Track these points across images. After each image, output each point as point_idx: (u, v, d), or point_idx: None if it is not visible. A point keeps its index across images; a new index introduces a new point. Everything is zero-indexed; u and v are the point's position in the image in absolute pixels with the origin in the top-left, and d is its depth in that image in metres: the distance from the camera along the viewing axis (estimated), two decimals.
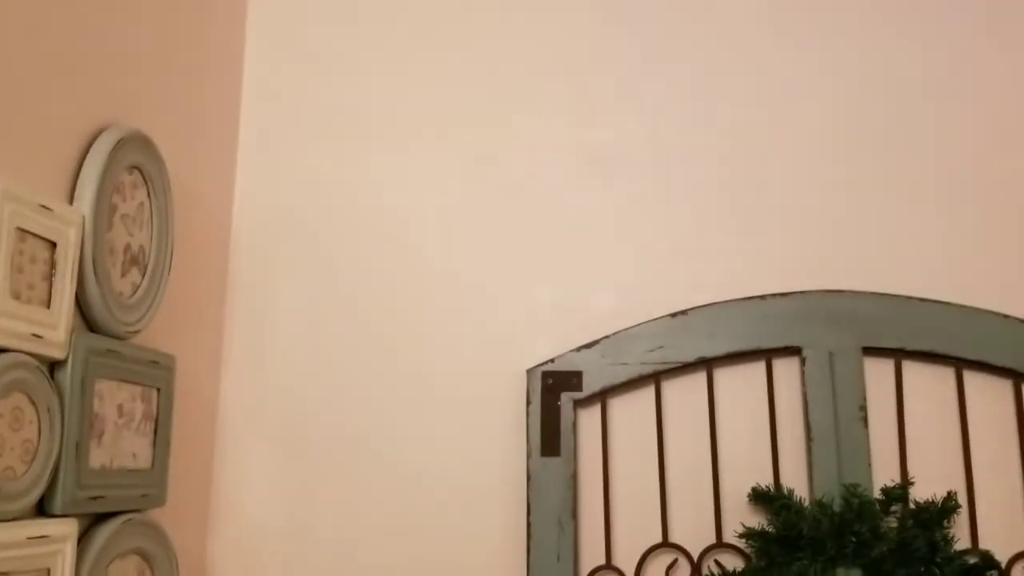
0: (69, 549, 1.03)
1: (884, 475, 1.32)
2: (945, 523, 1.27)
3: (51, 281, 1.02)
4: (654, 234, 1.48)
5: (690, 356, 1.39)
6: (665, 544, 1.35)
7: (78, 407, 1.06)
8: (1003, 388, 1.36)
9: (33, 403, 0.99)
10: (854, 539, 1.25)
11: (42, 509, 1.02)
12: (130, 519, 1.18)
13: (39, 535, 0.98)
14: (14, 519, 0.95)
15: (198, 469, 1.44)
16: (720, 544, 1.34)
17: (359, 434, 1.47)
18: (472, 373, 1.47)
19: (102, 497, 1.11)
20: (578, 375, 1.41)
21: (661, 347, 1.40)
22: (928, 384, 1.37)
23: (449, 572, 1.41)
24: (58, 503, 1.03)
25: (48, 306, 1.01)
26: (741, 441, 1.38)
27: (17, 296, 0.96)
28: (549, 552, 1.35)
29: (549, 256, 1.50)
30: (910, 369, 1.37)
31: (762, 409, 1.39)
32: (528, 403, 1.40)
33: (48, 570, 1.00)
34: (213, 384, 1.50)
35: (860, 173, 1.46)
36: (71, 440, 1.04)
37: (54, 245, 1.02)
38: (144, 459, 1.23)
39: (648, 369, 1.40)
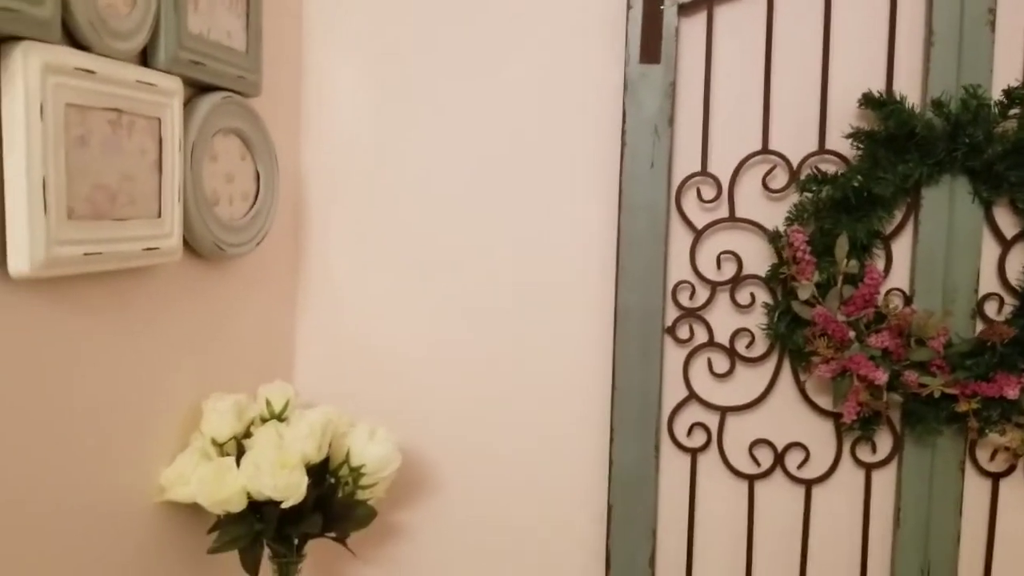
0: (176, 104, 1.04)
1: (1007, 83, 1.24)
2: None
3: None
4: None
5: None
6: (764, 151, 1.32)
7: None
8: None
9: None
10: (967, 141, 1.20)
11: (146, 64, 1.02)
12: (230, 96, 1.18)
13: (148, 81, 0.98)
14: (122, 60, 0.96)
15: (288, 70, 1.42)
16: (822, 151, 1.30)
17: (449, 60, 1.42)
18: None
19: (202, 64, 1.10)
20: None
21: None
22: None
23: (537, 197, 1.41)
24: (161, 57, 1.02)
25: None
26: (855, 52, 1.30)
27: None
28: (643, 160, 1.34)
29: None
30: None
31: (881, 15, 1.29)
32: (628, 7, 1.33)
33: (159, 120, 1.02)
34: None
35: None
36: None
37: None
38: (239, 40, 1.21)
39: None
